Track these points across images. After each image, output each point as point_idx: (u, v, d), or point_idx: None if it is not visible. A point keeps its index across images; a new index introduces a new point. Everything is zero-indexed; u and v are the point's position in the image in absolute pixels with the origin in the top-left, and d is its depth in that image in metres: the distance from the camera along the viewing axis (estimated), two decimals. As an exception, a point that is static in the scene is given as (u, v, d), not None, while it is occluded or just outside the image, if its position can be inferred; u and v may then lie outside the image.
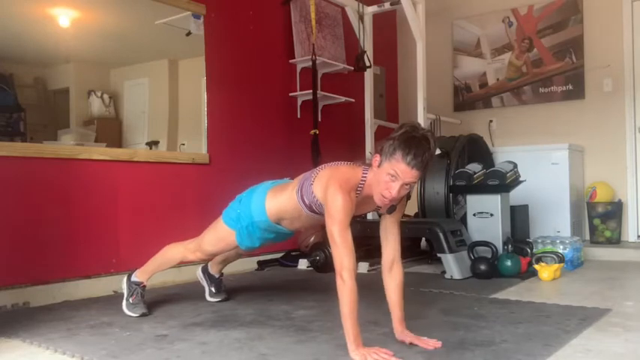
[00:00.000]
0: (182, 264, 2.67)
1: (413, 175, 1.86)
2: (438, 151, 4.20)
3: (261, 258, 4.05)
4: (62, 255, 2.98)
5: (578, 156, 4.92)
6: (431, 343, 1.93)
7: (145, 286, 2.61)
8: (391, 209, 2.01)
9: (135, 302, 2.55)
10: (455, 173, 4.03)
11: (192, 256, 2.54)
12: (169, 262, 2.60)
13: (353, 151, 4.73)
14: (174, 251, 2.58)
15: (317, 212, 2.17)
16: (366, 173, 2.01)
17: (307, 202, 2.15)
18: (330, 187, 1.95)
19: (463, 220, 3.98)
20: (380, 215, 2.16)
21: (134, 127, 3.58)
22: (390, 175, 1.87)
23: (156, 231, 3.32)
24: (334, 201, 1.92)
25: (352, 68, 4.62)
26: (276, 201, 2.29)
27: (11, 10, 2.92)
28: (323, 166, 2.15)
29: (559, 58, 5.19)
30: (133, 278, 2.61)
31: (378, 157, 1.92)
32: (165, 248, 2.61)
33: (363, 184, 2.01)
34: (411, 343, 1.95)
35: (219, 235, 2.46)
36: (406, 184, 1.88)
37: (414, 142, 1.84)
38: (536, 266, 3.43)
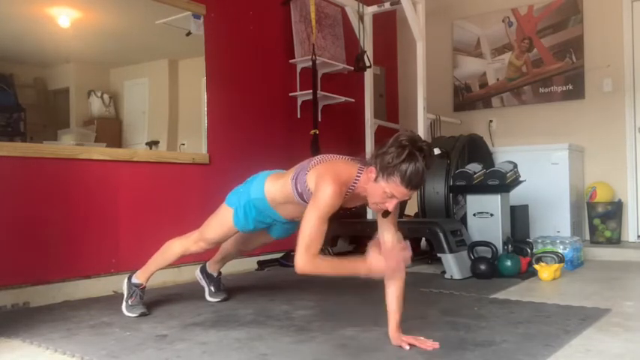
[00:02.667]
0: (183, 259, 2.67)
1: (410, 194, 1.89)
2: (437, 151, 4.20)
3: (261, 258, 4.05)
4: (62, 255, 2.98)
5: (578, 156, 4.92)
6: (429, 344, 1.92)
7: (144, 288, 2.61)
8: (385, 214, 2.02)
9: (134, 304, 2.55)
10: (455, 173, 4.03)
11: (195, 246, 2.54)
12: (170, 257, 2.60)
13: (353, 151, 4.72)
14: (175, 245, 2.58)
15: (306, 202, 2.18)
16: (360, 173, 2.01)
17: (299, 190, 2.17)
18: (324, 180, 1.97)
19: (463, 220, 3.98)
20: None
21: (134, 127, 3.57)
22: (386, 195, 1.89)
23: (156, 231, 3.31)
24: (324, 192, 1.94)
25: (352, 68, 4.62)
26: (274, 185, 2.33)
27: (11, 10, 2.92)
28: (320, 157, 2.16)
29: (559, 58, 5.19)
30: (133, 280, 2.61)
31: (374, 171, 1.91)
32: (165, 244, 2.61)
33: (356, 183, 2.02)
34: (409, 345, 1.94)
35: (221, 219, 2.48)
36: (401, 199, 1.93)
37: (414, 169, 1.83)
38: (536, 266, 3.43)
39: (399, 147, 1.85)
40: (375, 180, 1.89)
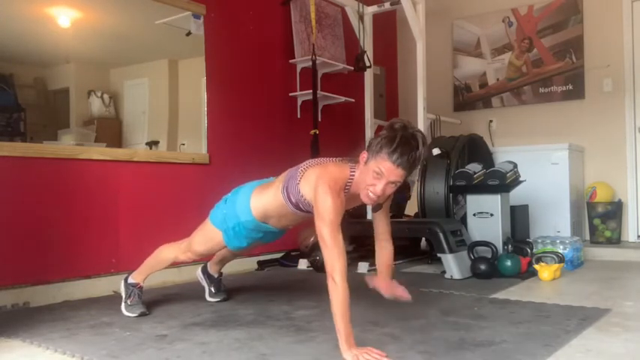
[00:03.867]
0: (175, 264, 2.68)
1: (398, 174, 1.84)
2: (437, 151, 4.20)
3: (261, 258, 4.05)
4: (62, 255, 2.98)
5: (578, 156, 4.92)
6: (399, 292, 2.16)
7: (141, 287, 2.61)
8: (377, 207, 2.01)
9: (133, 303, 2.55)
10: (455, 173, 4.03)
11: (184, 256, 2.54)
12: (162, 263, 2.61)
13: (353, 152, 4.72)
14: (167, 252, 2.58)
15: (303, 210, 2.17)
16: (354, 171, 2.00)
17: (294, 200, 2.15)
18: (319, 188, 1.94)
19: (463, 220, 3.98)
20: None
21: (134, 127, 3.58)
22: (375, 173, 1.85)
23: (156, 231, 3.31)
24: (324, 202, 1.90)
25: (352, 68, 4.62)
26: (261, 199, 2.29)
27: (11, 10, 2.92)
28: (309, 162, 2.14)
29: (559, 58, 5.19)
30: (130, 280, 2.61)
31: (365, 154, 1.91)
32: (158, 249, 2.61)
33: (351, 182, 2.01)
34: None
35: (207, 235, 2.46)
36: (391, 183, 1.87)
37: (401, 141, 1.82)
38: (536, 266, 3.43)
39: (389, 128, 1.88)
40: (366, 162, 1.89)
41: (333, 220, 1.89)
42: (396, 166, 1.82)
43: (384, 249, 2.33)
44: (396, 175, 1.84)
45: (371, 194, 1.89)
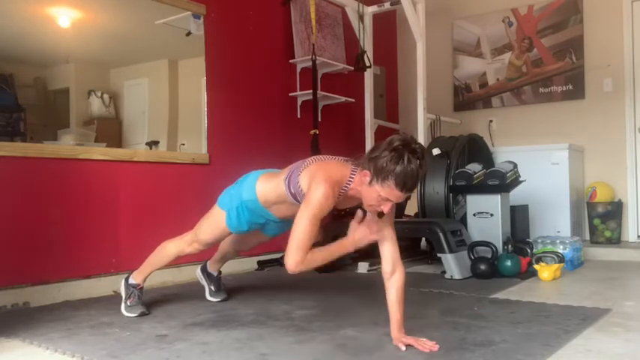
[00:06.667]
0: (178, 260, 2.67)
1: (405, 196, 1.90)
2: (437, 151, 4.20)
3: (261, 258, 4.05)
4: (62, 255, 2.98)
5: (578, 156, 4.92)
6: (427, 346, 1.88)
7: (142, 288, 2.61)
8: (380, 215, 2.02)
9: (132, 304, 2.55)
10: (455, 173, 4.03)
11: (190, 248, 2.53)
12: (165, 258, 2.60)
13: (353, 151, 4.71)
14: (170, 246, 2.58)
15: (299, 202, 2.18)
16: (354, 173, 2.01)
17: (292, 191, 2.17)
18: (315, 178, 1.98)
19: (463, 220, 3.98)
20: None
21: (134, 127, 3.58)
22: (382, 198, 1.89)
23: (156, 231, 3.30)
24: (316, 190, 1.94)
25: (352, 68, 4.62)
26: (266, 185, 2.32)
27: (11, 10, 2.92)
28: (313, 158, 2.16)
29: (559, 58, 5.19)
30: (130, 280, 2.61)
31: (368, 175, 1.90)
32: (160, 246, 2.61)
33: (349, 183, 2.02)
34: (407, 346, 1.90)
35: (213, 220, 2.47)
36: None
37: (408, 172, 1.83)
38: (536, 266, 3.43)
39: (392, 150, 1.85)
40: (370, 183, 1.89)
41: (317, 213, 1.93)
42: (404, 193, 1.87)
43: (394, 282, 2.04)
44: (402, 198, 1.91)
45: (377, 210, 1.95)
